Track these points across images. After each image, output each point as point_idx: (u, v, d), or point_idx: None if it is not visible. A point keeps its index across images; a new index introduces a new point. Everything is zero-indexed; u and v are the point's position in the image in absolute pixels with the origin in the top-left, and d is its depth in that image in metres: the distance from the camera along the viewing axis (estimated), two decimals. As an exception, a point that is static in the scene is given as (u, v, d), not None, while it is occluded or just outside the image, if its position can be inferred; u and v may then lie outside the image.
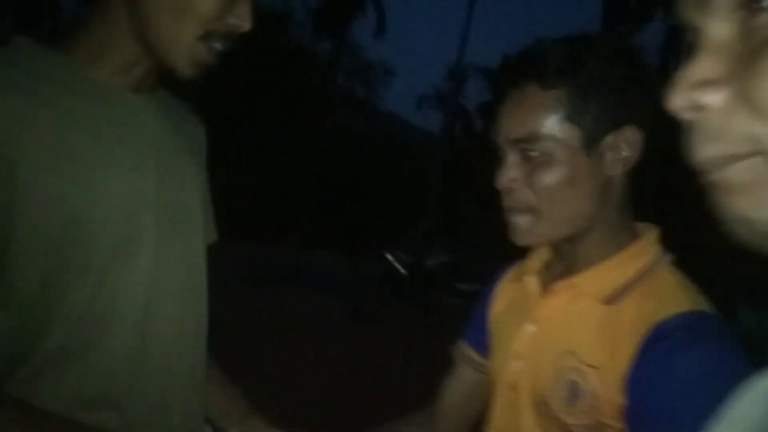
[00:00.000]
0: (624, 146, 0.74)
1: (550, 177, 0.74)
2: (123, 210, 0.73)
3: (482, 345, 0.94)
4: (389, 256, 9.30)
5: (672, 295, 0.72)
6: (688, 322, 0.68)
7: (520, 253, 0.89)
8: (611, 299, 0.75)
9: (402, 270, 9.17)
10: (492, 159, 0.79)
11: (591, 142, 0.74)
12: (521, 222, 0.77)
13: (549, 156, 0.74)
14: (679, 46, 22.36)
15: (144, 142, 0.77)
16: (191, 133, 0.89)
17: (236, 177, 16.45)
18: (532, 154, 0.74)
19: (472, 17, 17.16)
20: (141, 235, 0.74)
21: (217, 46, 0.74)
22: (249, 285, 7.75)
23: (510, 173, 0.76)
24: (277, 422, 0.92)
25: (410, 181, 19.91)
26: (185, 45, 0.71)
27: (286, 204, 17.70)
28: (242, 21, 0.73)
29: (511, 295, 0.91)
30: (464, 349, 0.98)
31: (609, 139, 0.74)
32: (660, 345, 0.67)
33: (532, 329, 0.82)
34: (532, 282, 0.85)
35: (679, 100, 0.32)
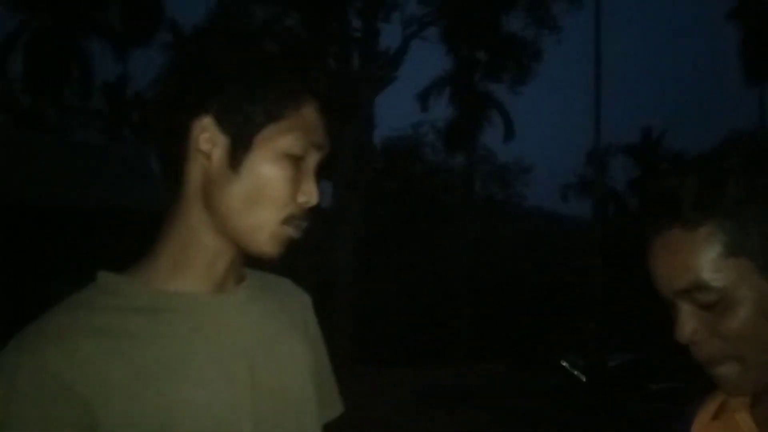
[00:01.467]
0: None
1: (738, 321, 0.65)
2: (213, 422, 0.72)
3: None
4: (565, 364, 8.58)
5: None
6: None
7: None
8: None
9: (581, 377, 8.37)
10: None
11: (766, 267, 0.65)
12: (725, 373, 0.67)
13: (727, 298, 0.65)
14: None
15: (233, 342, 0.76)
16: (292, 308, 0.88)
17: (393, 302, 16.77)
18: (706, 301, 0.66)
19: (602, 97, 16.81)
20: None
21: (297, 224, 0.77)
22: (414, 411, 7.49)
23: (689, 327, 0.67)
24: None
25: (570, 275, 18.84)
26: (269, 231, 0.75)
27: (444, 320, 17.50)
28: (310, 198, 0.77)
29: None
30: None
31: None
32: None
33: None
34: (745, 421, 0.72)
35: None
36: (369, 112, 13.41)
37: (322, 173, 0.78)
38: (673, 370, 7.91)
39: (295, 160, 0.75)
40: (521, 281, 18.83)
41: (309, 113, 0.76)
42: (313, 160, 0.77)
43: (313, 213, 0.79)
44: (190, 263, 0.76)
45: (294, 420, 0.79)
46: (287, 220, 0.76)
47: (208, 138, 0.74)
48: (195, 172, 0.75)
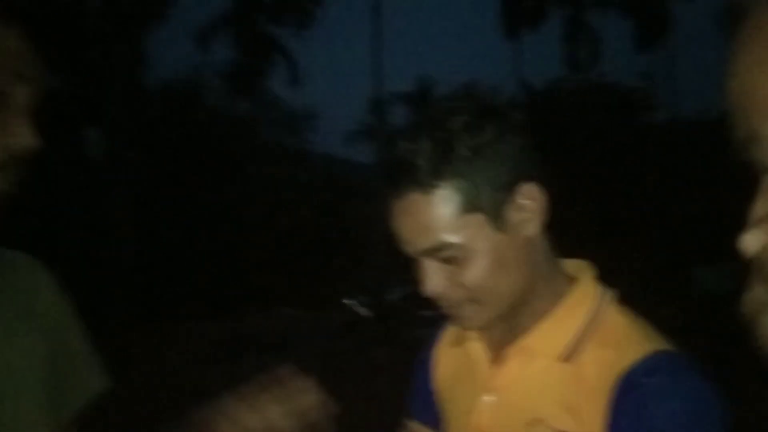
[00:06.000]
0: (528, 204, 0.71)
1: (475, 271, 0.70)
2: None
3: (433, 419, 0.87)
4: (348, 302, 9.17)
5: (629, 339, 0.71)
6: (654, 366, 0.67)
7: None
8: (568, 356, 0.72)
9: (364, 312, 9.04)
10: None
11: (497, 218, 0.70)
12: (465, 314, 0.74)
13: (464, 252, 0.70)
14: (579, 35, 23.57)
15: None
16: (20, 290, 0.77)
17: (186, 256, 15.94)
18: (449, 256, 0.70)
19: (382, 47, 17.52)
20: None
21: (6, 174, 0.66)
22: (206, 365, 7.38)
23: (434, 281, 0.72)
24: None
25: (356, 218, 19.85)
26: None
27: (236, 270, 17.23)
28: (23, 139, 0.66)
29: (454, 361, 0.85)
30: (416, 428, 0.89)
31: (511, 205, 0.71)
32: (631, 396, 0.66)
33: (491, 400, 0.77)
34: (477, 348, 0.80)
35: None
36: (140, 50, 12.18)
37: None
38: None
39: None
40: (311, 225, 19.30)
41: (5, 37, 0.65)
42: (22, 94, 0.66)
43: (34, 159, 0.67)
44: None
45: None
46: None
47: None
48: None
